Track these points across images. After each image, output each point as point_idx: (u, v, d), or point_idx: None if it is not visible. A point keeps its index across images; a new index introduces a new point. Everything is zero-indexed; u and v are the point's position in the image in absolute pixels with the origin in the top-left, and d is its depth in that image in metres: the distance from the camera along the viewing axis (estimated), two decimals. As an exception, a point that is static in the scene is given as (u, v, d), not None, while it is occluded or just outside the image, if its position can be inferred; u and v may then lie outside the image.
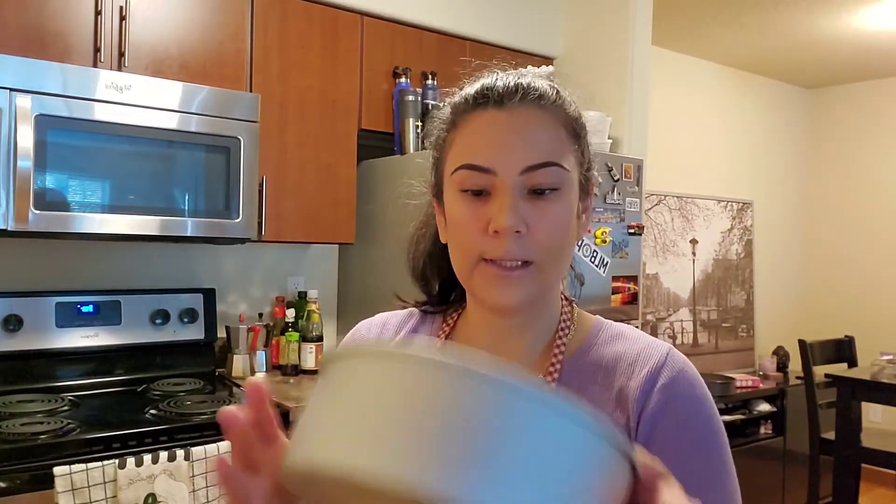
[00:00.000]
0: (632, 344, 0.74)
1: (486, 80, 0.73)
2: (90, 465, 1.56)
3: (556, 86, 0.74)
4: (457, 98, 0.75)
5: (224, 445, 1.72)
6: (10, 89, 1.72)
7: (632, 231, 2.52)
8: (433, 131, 0.79)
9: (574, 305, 0.80)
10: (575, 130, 0.73)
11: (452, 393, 0.40)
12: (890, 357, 3.47)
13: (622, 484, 0.45)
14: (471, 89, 0.74)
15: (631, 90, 2.72)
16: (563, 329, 0.76)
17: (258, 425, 0.53)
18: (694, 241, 4.27)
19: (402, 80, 2.51)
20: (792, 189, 4.98)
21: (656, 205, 4.05)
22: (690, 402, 0.69)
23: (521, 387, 0.41)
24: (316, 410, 0.45)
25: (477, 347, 0.78)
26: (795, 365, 3.97)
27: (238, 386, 2.23)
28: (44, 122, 1.76)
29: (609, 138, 2.65)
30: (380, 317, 0.89)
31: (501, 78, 0.73)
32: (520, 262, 0.69)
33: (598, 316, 0.80)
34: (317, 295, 2.55)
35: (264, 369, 2.44)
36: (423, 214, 0.86)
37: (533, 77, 0.74)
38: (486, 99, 0.71)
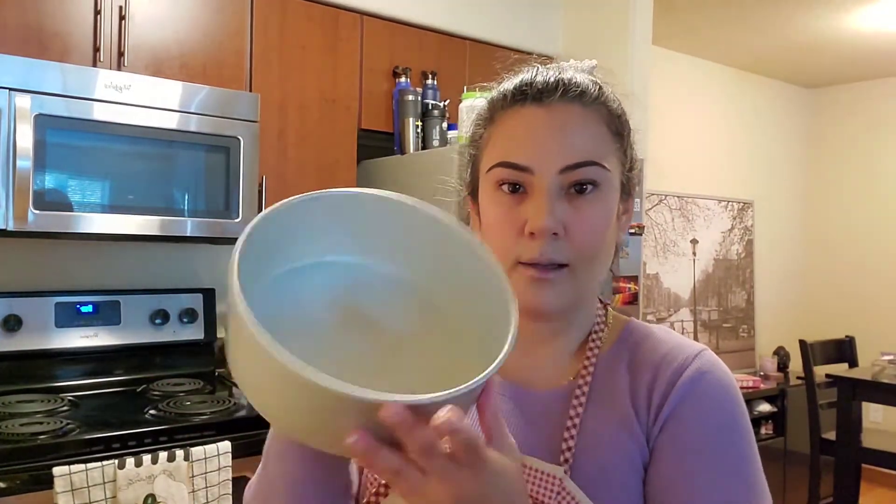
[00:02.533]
0: (662, 344, 0.72)
1: (525, 74, 0.71)
2: (90, 465, 1.56)
3: (598, 81, 0.71)
4: (495, 93, 0.72)
5: (224, 446, 1.72)
6: (10, 89, 1.71)
7: (632, 231, 2.52)
8: (471, 128, 0.76)
9: (608, 308, 0.78)
10: (617, 129, 0.71)
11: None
12: (890, 357, 3.47)
13: None
14: (509, 84, 0.71)
15: (631, 90, 2.72)
16: (596, 332, 0.74)
17: None
18: (694, 241, 4.26)
19: (402, 79, 2.50)
20: (792, 189, 4.97)
21: (657, 205, 4.05)
22: (707, 403, 0.67)
23: None
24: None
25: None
26: (796, 365, 3.97)
27: (237, 386, 2.23)
28: (43, 122, 1.76)
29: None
30: None
31: (541, 73, 0.70)
32: (556, 265, 0.67)
33: (632, 318, 0.78)
34: (317, 295, 2.54)
35: (264, 369, 2.43)
36: (458, 213, 0.85)
37: (574, 72, 0.71)
38: (524, 95, 0.69)
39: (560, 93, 0.68)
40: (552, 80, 0.69)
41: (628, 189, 0.73)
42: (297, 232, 0.61)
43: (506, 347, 0.54)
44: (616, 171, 0.70)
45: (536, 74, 0.70)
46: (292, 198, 0.59)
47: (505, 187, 0.68)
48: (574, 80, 0.69)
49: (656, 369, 0.69)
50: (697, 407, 0.67)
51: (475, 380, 0.51)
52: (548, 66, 0.73)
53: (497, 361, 0.53)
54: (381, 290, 0.65)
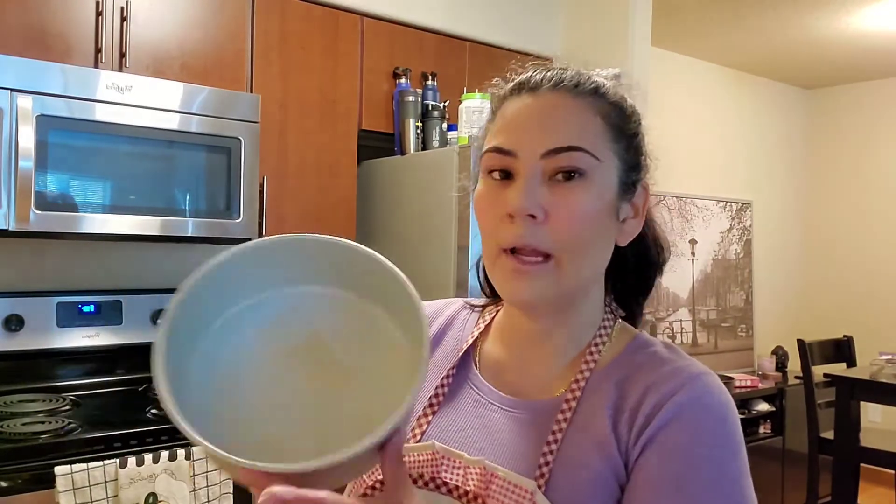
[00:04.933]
0: (661, 366, 0.67)
1: (528, 73, 0.71)
2: (91, 464, 1.56)
3: (605, 81, 0.71)
4: (498, 91, 0.73)
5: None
6: (12, 90, 1.72)
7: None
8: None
9: (618, 319, 0.75)
10: (618, 124, 0.69)
11: None
12: (889, 357, 3.48)
13: None
14: (511, 82, 0.72)
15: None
16: (596, 344, 0.71)
17: None
18: (693, 242, 4.27)
19: (402, 80, 2.51)
20: (791, 189, 4.98)
21: (655, 205, 4.03)
22: (693, 432, 0.62)
23: None
24: None
25: (504, 350, 0.76)
26: (794, 365, 3.98)
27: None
28: (45, 123, 1.77)
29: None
30: None
31: (543, 70, 0.71)
32: (540, 257, 0.65)
33: (641, 332, 0.74)
34: (317, 295, 2.55)
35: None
36: (457, 210, 0.85)
37: (588, 73, 0.71)
38: (521, 87, 0.70)
39: (553, 83, 0.68)
40: (549, 73, 0.69)
41: (631, 190, 0.71)
42: (226, 288, 0.63)
43: (389, 422, 0.54)
44: (610, 165, 0.68)
45: (539, 71, 0.71)
46: (216, 259, 0.61)
47: (495, 174, 0.68)
48: (570, 75, 0.69)
49: (647, 390, 0.65)
50: (682, 435, 0.62)
51: (349, 451, 0.51)
52: (562, 67, 0.72)
53: (372, 439, 0.53)
54: (328, 308, 0.66)
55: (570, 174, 0.65)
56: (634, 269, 0.78)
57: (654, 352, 0.70)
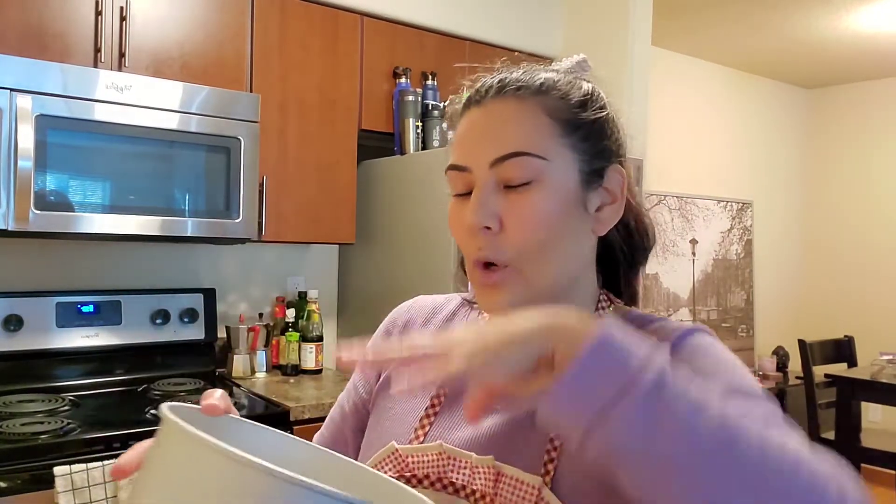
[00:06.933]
0: (652, 324, 0.69)
1: (479, 83, 0.72)
2: (90, 464, 1.56)
3: (555, 75, 0.70)
4: (456, 105, 0.75)
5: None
6: (11, 89, 1.72)
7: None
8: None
9: (613, 303, 0.75)
10: (570, 118, 0.68)
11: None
12: (889, 357, 3.48)
13: None
14: (465, 94, 0.73)
15: (631, 90, 2.72)
16: None
17: None
18: (694, 241, 4.27)
19: (402, 80, 2.51)
20: (792, 189, 4.98)
21: (656, 205, 4.05)
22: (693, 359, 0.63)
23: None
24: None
25: None
26: (795, 365, 3.98)
27: (238, 386, 2.24)
28: (44, 123, 1.76)
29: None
30: (418, 299, 0.88)
31: (492, 76, 0.72)
32: (500, 265, 0.67)
33: (632, 308, 0.75)
34: (317, 295, 2.55)
35: (264, 369, 2.44)
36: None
37: (537, 70, 0.71)
38: (470, 101, 0.71)
39: (496, 90, 0.69)
40: (495, 81, 0.70)
41: (600, 177, 0.70)
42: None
43: None
44: (564, 161, 0.67)
45: (486, 79, 0.72)
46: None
47: (457, 189, 0.70)
48: (514, 77, 0.69)
49: None
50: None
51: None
52: (517, 68, 0.73)
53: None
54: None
55: (516, 182, 0.66)
56: (622, 257, 0.78)
57: (646, 319, 0.71)
